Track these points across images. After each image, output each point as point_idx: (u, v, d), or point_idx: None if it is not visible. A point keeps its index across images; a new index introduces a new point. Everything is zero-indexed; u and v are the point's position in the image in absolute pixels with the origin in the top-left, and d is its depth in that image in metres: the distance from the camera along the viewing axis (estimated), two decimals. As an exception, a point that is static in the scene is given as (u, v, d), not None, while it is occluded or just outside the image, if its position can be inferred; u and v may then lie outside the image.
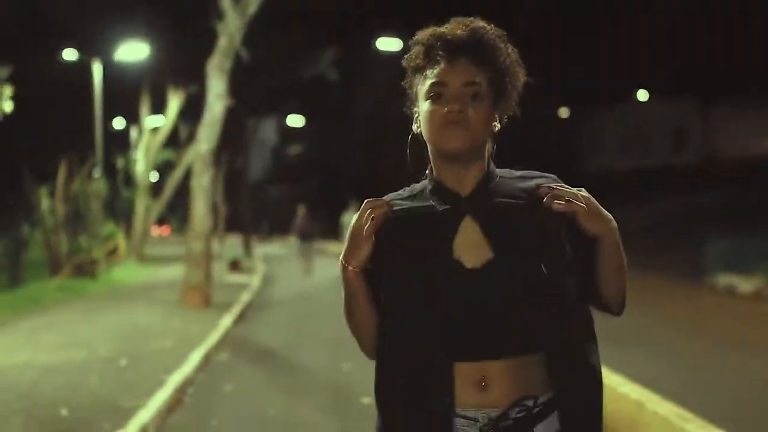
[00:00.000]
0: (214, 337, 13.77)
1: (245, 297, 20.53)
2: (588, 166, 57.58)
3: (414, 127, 2.67)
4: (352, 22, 42.19)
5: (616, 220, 2.66)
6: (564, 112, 61.29)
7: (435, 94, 2.53)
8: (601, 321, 2.68)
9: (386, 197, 2.70)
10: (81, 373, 10.39)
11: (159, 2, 27.96)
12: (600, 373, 2.59)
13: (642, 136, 56.10)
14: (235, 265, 29.66)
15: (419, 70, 2.60)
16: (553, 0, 44.27)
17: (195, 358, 11.66)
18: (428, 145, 2.60)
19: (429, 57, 2.57)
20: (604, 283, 2.61)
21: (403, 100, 2.71)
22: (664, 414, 6.02)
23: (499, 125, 2.64)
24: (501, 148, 2.68)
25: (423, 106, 2.57)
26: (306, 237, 27.97)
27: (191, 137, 36.37)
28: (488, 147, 2.63)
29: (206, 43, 20.87)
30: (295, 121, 56.82)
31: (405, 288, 2.54)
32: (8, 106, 17.93)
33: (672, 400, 6.71)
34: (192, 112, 35.87)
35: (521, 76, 2.64)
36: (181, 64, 31.59)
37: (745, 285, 22.13)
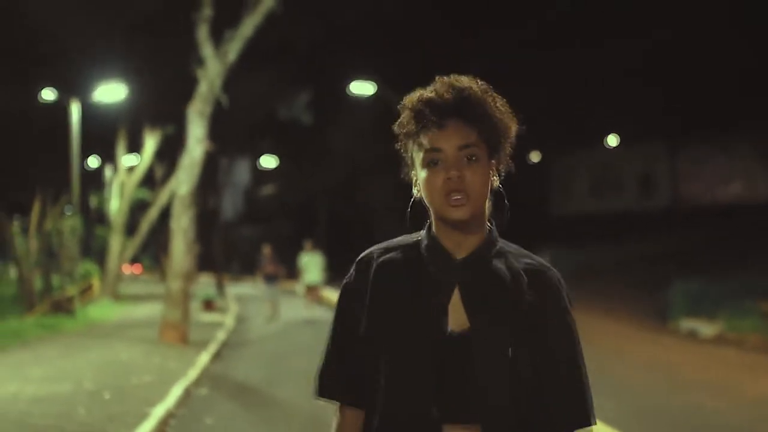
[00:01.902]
0: (192, 373, 14.25)
1: (221, 335, 21.00)
2: (558, 209, 58.30)
3: (414, 191, 2.68)
4: (326, 66, 42.82)
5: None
6: (535, 157, 61.93)
7: (431, 161, 2.54)
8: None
9: (377, 247, 2.74)
10: (68, 404, 10.88)
11: (138, 45, 28.44)
12: None
13: (611, 181, 56.76)
14: (208, 305, 30.00)
15: (411, 135, 2.60)
16: (521, 44, 44.94)
17: (176, 392, 12.16)
18: (430, 209, 2.61)
19: (419, 122, 2.56)
20: None
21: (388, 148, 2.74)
22: None
23: (497, 180, 2.67)
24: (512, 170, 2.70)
25: (421, 174, 2.58)
26: (271, 278, 27.53)
27: (166, 177, 36.84)
28: (488, 206, 2.65)
29: (184, 86, 21.44)
30: (269, 161, 57.29)
31: (399, 348, 2.56)
32: None
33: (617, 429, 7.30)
34: (168, 152, 36.37)
35: (513, 127, 2.66)
36: (158, 106, 32.03)
37: (706, 329, 22.70)
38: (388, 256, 2.69)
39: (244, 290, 44.70)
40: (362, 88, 32.84)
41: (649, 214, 51.16)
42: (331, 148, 52.16)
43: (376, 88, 31.56)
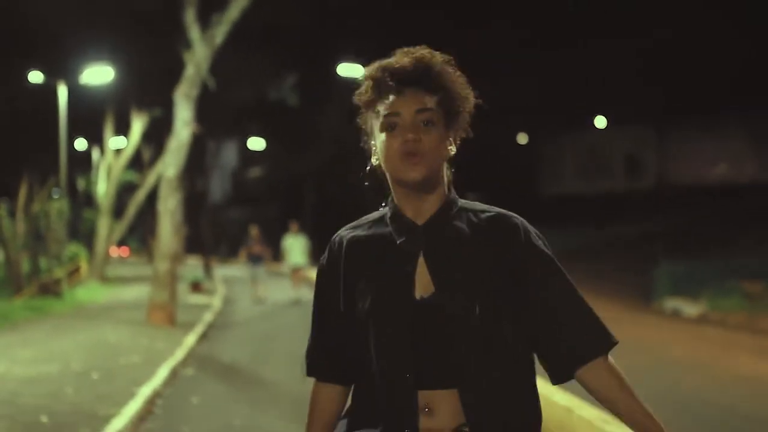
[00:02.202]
0: (179, 354, 14.38)
1: (208, 317, 21.12)
2: (546, 191, 58.49)
3: (373, 159, 2.72)
4: (314, 48, 42.79)
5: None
6: (523, 138, 62.01)
7: (389, 125, 2.58)
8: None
9: (347, 227, 2.81)
10: (57, 384, 11.00)
11: (125, 27, 28.42)
12: (531, 414, 2.68)
13: (598, 163, 56.96)
14: (196, 287, 30.10)
15: (371, 104, 2.65)
16: (513, 26, 44.98)
17: (162, 373, 12.29)
18: (387, 175, 2.66)
19: (379, 90, 2.61)
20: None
21: (360, 131, 2.76)
22: (588, 418, 6.79)
23: (454, 149, 2.68)
24: (460, 173, 2.75)
25: (379, 138, 2.62)
26: (257, 259, 27.41)
27: (154, 160, 36.88)
28: (446, 173, 2.70)
29: (171, 69, 21.53)
30: (256, 143, 57.31)
31: (371, 318, 2.61)
32: None
33: (598, 407, 7.45)
34: (155, 134, 36.40)
35: (471, 99, 2.69)
36: (146, 88, 32.06)
37: (690, 309, 22.95)
38: (356, 233, 2.76)
39: (232, 272, 44.80)
40: (350, 70, 32.97)
41: (636, 195, 51.41)
42: (319, 130, 52.20)
43: (364, 71, 31.65)
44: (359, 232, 2.76)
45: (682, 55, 43.84)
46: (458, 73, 2.68)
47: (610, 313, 23.41)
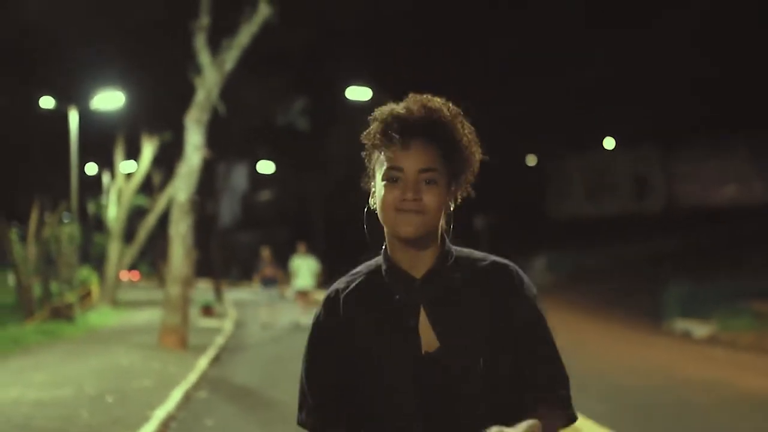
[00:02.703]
0: (192, 377, 14.51)
1: (219, 340, 21.25)
2: (554, 212, 58.55)
3: (370, 201, 2.69)
4: (323, 72, 43.05)
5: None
6: (531, 160, 62.10)
7: (391, 178, 2.56)
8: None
9: (342, 280, 2.77)
10: (71, 408, 11.12)
11: (136, 53, 28.65)
12: None
13: (606, 184, 57.01)
14: (207, 310, 30.19)
15: (376, 147, 2.62)
16: (520, 46, 45.11)
17: (176, 395, 12.42)
18: (383, 225, 2.63)
19: (386, 137, 2.58)
20: None
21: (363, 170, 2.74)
22: None
23: (453, 205, 2.68)
24: (468, 197, 2.63)
25: (379, 188, 2.60)
26: (270, 282, 26.58)
27: (164, 184, 37.04)
28: (442, 224, 2.66)
29: (181, 93, 21.70)
30: (266, 167, 57.48)
31: (378, 376, 2.60)
32: None
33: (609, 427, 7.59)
34: (165, 159, 36.56)
35: (477, 155, 2.66)
36: (156, 113, 32.26)
37: (700, 330, 22.98)
38: (352, 288, 2.71)
39: (243, 295, 44.90)
40: (359, 93, 33.17)
41: (645, 216, 51.41)
42: (328, 153, 52.37)
43: (372, 94, 31.84)
44: (355, 286, 2.71)
45: (689, 75, 43.90)
46: (468, 127, 2.65)
47: (619, 334, 23.56)
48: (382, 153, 2.59)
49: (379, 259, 2.72)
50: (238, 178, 74.42)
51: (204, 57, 19.50)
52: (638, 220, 50.24)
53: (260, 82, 33.11)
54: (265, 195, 74.66)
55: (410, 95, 2.66)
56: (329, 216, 58.20)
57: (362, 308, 2.67)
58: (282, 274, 27.37)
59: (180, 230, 19.45)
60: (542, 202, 59.53)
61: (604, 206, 55.97)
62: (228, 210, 73.67)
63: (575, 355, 13.97)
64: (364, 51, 43.60)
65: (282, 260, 29.81)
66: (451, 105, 2.65)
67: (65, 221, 32.03)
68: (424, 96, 2.64)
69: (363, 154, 2.70)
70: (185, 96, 20.33)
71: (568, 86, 47.37)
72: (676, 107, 46.41)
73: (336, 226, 55.97)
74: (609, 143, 56.01)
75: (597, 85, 46.91)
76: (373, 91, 31.84)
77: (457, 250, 2.70)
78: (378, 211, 2.61)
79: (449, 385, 2.56)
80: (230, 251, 62.62)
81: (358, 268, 2.77)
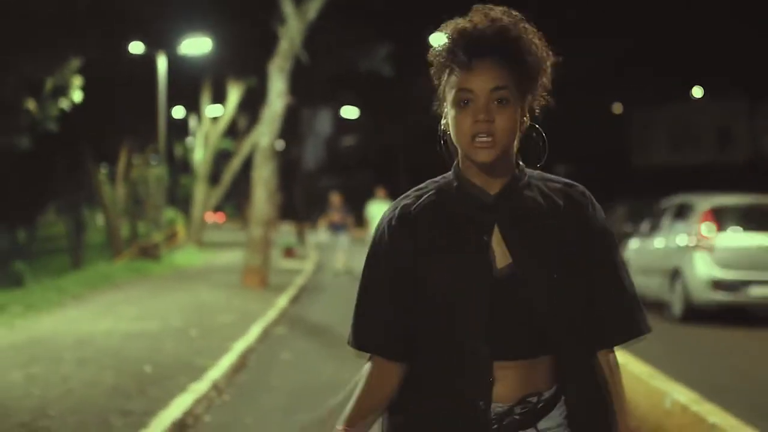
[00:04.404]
0: (271, 314, 15.21)
1: (299, 281, 21.97)
2: (638, 162, 58.34)
3: (443, 122, 2.65)
4: (406, 18, 43.22)
5: None
6: (618, 108, 61.64)
7: (461, 101, 2.51)
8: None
9: (407, 195, 2.71)
10: (158, 339, 11.87)
11: (222, 1, 29.19)
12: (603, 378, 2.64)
13: (692, 135, 56.64)
14: (289, 252, 30.89)
15: (444, 67, 2.59)
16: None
17: (255, 331, 13.12)
18: (458, 147, 2.59)
19: (454, 56, 2.55)
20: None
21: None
22: (637, 373, 7.37)
23: (529, 120, 2.63)
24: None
25: (450, 112, 2.55)
26: (338, 227, 26.14)
27: (249, 128, 37.72)
28: (516, 144, 2.61)
29: (267, 40, 22.27)
30: (350, 112, 57.93)
31: (449, 291, 2.55)
32: (78, 96, 18.88)
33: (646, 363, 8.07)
34: (250, 103, 37.19)
35: (548, 61, 2.62)
36: (242, 59, 32.80)
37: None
38: (421, 203, 2.67)
39: (324, 239, 45.65)
40: (441, 39, 33.50)
41: (728, 168, 51.03)
42: (412, 100, 52.65)
43: (442, 28, 32.04)
44: (426, 201, 2.67)
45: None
46: (535, 33, 2.59)
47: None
48: (452, 74, 2.56)
49: (447, 176, 2.69)
50: (323, 123, 75.10)
51: (287, 6, 20.02)
52: (721, 172, 49.91)
53: (344, 28, 33.47)
54: (349, 140, 75.12)
55: (473, 7, 2.61)
56: (412, 161, 58.57)
57: (433, 224, 2.62)
58: (351, 220, 26.71)
59: (263, 174, 20.15)
60: (626, 151, 59.31)
61: (687, 157, 55.65)
62: (312, 154, 74.45)
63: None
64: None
65: (363, 204, 29.97)
66: (512, 11, 2.60)
67: (153, 163, 32.86)
68: (487, 6, 2.60)
69: (432, 73, 2.66)
70: (270, 42, 20.92)
71: (658, 34, 47.00)
72: (764, 58, 45.91)
73: (420, 171, 56.39)
74: (697, 92, 55.48)
75: (685, 34, 46.53)
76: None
77: (529, 171, 2.69)
78: (452, 135, 2.58)
79: (521, 302, 2.53)
80: (313, 195, 63.39)
81: (424, 184, 2.74)
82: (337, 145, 78.27)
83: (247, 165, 35.82)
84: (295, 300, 18.58)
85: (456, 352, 2.54)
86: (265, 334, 13.53)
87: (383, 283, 2.67)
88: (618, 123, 60.39)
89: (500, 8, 2.58)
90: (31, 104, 18.06)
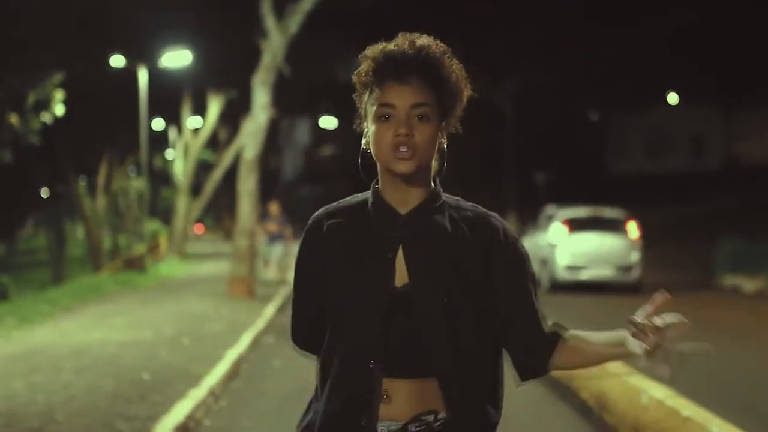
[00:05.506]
0: (260, 323, 15.55)
1: (284, 291, 22.27)
2: (614, 168, 58.86)
3: (363, 142, 2.73)
4: (383, 30, 43.57)
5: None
6: (593, 115, 62.08)
7: (383, 116, 2.57)
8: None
9: (326, 208, 2.79)
10: (152, 348, 12.21)
11: (203, 14, 29.43)
12: (494, 397, 2.68)
13: (666, 141, 57.17)
14: (268, 262, 30.99)
15: (368, 86, 2.65)
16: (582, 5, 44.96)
17: (246, 339, 13.47)
18: (378, 162, 2.65)
19: (378, 75, 2.61)
20: (574, 354, 2.69)
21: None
22: (660, 397, 7.73)
23: (445, 142, 2.69)
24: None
25: (371, 128, 2.61)
26: (275, 238, 25.98)
27: (230, 139, 37.99)
28: (434, 165, 2.69)
29: (247, 52, 22.62)
30: (328, 122, 58.21)
31: (347, 303, 2.64)
32: (60, 110, 19.12)
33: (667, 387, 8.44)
34: (231, 115, 37.50)
35: (466, 92, 2.68)
36: (222, 71, 33.05)
37: (748, 285, 23.63)
38: (336, 216, 2.76)
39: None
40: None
41: (703, 174, 51.54)
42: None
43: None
44: (340, 215, 2.76)
45: (749, 32, 43.87)
46: (456, 63, 2.68)
47: (670, 289, 24.17)
48: (374, 92, 2.62)
49: (367, 193, 2.76)
50: (301, 133, 75.31)
51: (270, 21, 20.36)
52: (696, 178, 50.44)
53: (322, 40, 33.79)
54: (327, 150, 75.40)
55: (399, 34, 2.68)
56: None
57: (343, 237, 2.70)
58: (290, 231, 26.39)
59: (247, 186, 20.53)
60: (603, 158, 59.79)
61: (663, 163, 56.18)
62: (290, 164, 74.71)
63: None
64: (423, 9, 44.04)
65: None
66: (438, 42, 2.68)
67: (132, 175, 33.06)
68: (414, 34, 2.67)
69: (354, 96, 2.74)
70: (251, 54, 21.28)
71: (634, 41, 47.38)
72: (738, 64, 46.39)
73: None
74: (672, 99, 55.92)
75: (661, 41, 46.93)
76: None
77: (446, 196, 2.73)
78: (372, 150, 2.64)
79: (412, 322, 2.59)
80: (292, 205, 63.57)
81: (346, 199, 2.82)
82: (316, 154, 78.52)
83: (227, 176, 36.15)
84: (281, 309, 18.84)
85: (348, 364, 2.63)
86: (255, 343, 13.87)
87: (305, 285, 2.79)
88: (594, 130, 60.87)
89: (427, 37, 2.67)
90: (13, 118, 18.27)
